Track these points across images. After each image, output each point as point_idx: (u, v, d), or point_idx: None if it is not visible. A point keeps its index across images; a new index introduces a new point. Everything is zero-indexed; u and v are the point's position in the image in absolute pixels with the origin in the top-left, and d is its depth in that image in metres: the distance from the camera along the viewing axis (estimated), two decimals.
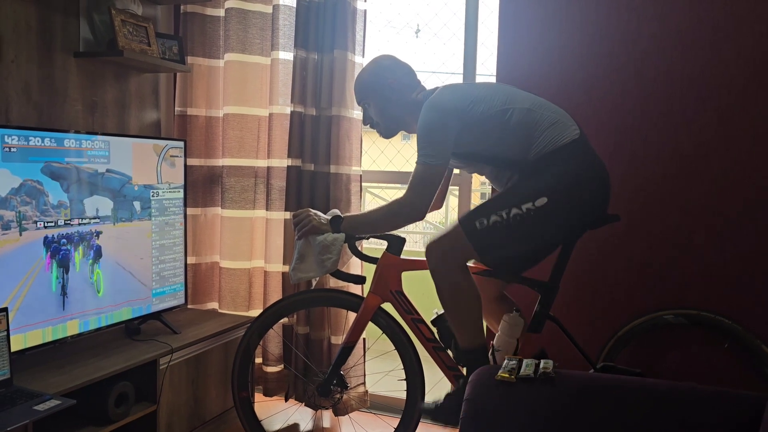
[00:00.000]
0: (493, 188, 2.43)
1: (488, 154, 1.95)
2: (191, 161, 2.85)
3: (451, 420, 2.03)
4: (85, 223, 2.17)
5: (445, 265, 1.93)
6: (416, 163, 1.93)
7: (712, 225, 2.23)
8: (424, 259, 2.02)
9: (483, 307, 2.01)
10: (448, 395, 2.07)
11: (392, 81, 2.06)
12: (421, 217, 1.98)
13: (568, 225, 1.92)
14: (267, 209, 2.82)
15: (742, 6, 2.15)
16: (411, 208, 1.94)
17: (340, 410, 2.69)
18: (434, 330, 2.19)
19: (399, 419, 2.27)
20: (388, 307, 2.20)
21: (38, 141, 2.00)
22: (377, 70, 2.09)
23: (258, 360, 2.83)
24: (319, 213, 2.12)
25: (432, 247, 1.95)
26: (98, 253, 2.24)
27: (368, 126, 2.18)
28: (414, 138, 2.16)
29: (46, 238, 2.03)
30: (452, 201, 3.90)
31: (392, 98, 2.07)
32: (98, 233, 2.22)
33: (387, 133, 2.15)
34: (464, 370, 2.16)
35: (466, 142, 1.94)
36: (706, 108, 2.22)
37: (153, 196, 2.44)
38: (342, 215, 2.08)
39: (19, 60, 2.20)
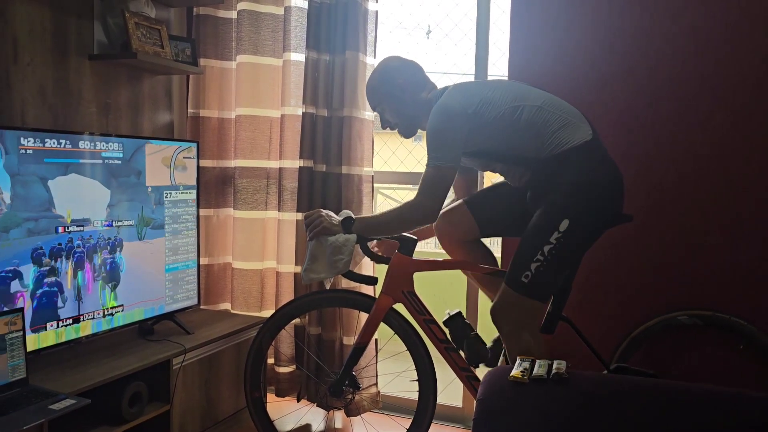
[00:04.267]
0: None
1: (500, 152, 1.95)
2: (204, 162, 2.86)
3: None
4: (106, 229, 2.19)
5: (516, 329, 1.90)
6: (426, 165, 1.93)
7: (727, 225, 2.21)
8: (436, 259, 2.01)
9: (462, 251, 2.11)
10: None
11: (401, 81, 2.06)
12: (433, 220, 1.98)
13: (595, 229, 1.92)
14: (279, 210, 2.83)
15: (756, 3, 2.13)
16: (422, 211, 1.94)
17: (352, 411, 2.70)
18: (446, 331, 2.18)
19: (411, 420, 2.27)
20: (400, 307, 2.20)
21: (53, 143, 2.02)
22: (385, 73, 2.09)
23: (270, 360, 2.84)
24: (331, 213, 2.12)
25: (497, 314, 1.92)
26: (115, 274, 2.25)
27: (387, 129, 2.17)
28: (418, 138, 2.16)
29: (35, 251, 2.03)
30: None
31: (404, 98, 2.07)
32: (120, 241, 2.24)
33: (407, 133, 2.14)
34: (477, 372, 2.16)
35: (477, 142, 1.93)
36: (720, 107, 2.20)
37: (166, 197, 2.46)
38: (354, 216, 2.08)
39: (34, 63, 2.23)
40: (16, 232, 1.92)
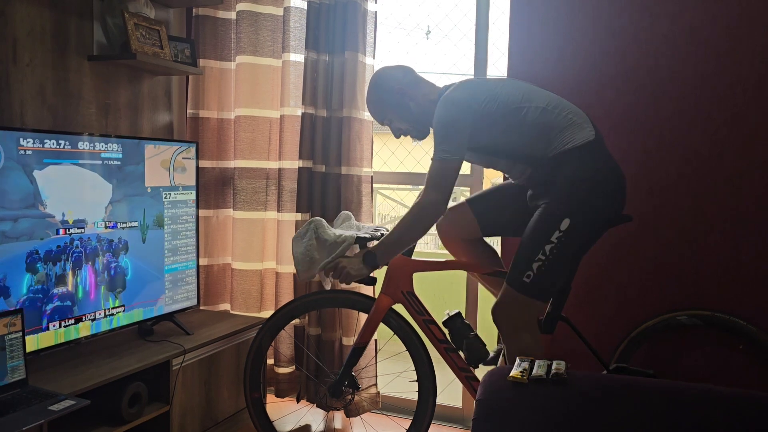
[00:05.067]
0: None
1: (504, 149, 1.96)
2: (203, 163, 2.86)
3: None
4: (110, 231, 2.19)
5: (516, 329, 1.91)
6: (432, 159, 1.92)
7: (727, 225, 2.20)
8: (436, 260, 2.01)
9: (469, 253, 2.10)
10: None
11: (397, 85, 2.06)
12: (442, 214, 1.95)
13: (596, 229, 1.93)
14: (278, 211, 2.83)
15: (755, 4, 2.13)
16: (433, 207, 1.92)
17: (351, 411, 2.69)
18: (446, 331, 2.18)
19: (410, 420, 2.27)
20: (399, 308, 2.20)
21: (53, 144, 2.02)
22: (380, 85, 2.09)
23: (270, 361, 2.84)
24: (347, 259, 2.03)
25: (498, 314, 1.92)
26: (118, 276, 2.24)
27: (400, 137, 2.15)
28: (424, 140, 2.16)
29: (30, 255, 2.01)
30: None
31: (405, 102, 2.07)
32: (125, 243, 2.24)
33: (420, 135, 2.13)
34: (476, 372, 2.16)
35: (482, 137, 1.93)
36: (720, 107, 2.20)
37: (165, 197, 2.46)
38: (370, 249, 2.00)
39: (33, 63, 2.23)
40: None
